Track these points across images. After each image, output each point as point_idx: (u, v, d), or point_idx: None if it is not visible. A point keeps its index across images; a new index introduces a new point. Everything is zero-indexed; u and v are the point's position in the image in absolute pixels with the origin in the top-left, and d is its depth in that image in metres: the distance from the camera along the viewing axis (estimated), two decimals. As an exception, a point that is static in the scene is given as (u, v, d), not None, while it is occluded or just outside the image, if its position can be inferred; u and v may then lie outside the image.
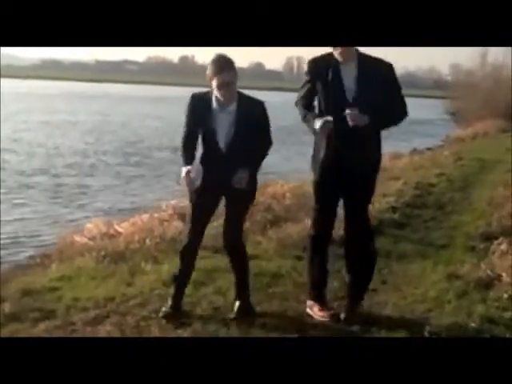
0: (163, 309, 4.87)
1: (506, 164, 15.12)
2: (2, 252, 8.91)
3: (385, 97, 4.71)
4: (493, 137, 28.42)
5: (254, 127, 4.70)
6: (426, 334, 4.53)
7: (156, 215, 8.85)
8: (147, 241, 7.25)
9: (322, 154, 4.79)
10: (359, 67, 4.69)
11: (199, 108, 4.73)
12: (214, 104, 4.68)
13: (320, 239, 4.99)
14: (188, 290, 5.42)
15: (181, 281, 4.95)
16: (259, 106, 4.77)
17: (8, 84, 70.16)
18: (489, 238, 7.31)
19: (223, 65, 4.57)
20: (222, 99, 4.64)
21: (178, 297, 4.92)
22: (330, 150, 4.74)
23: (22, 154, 20.25)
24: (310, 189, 10.44)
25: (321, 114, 4.72)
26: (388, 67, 4.81)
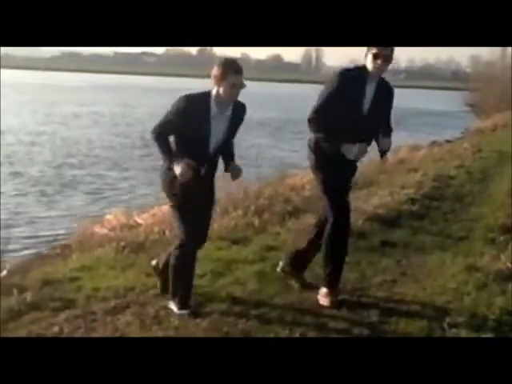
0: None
1: (525, 156, 14.99)
2: (24, 242, 9.01)
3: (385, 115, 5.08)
4: (512, 129, 28.14)
5: (237, 128, 4.78)
6: (446, 326, 4.53)
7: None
8: (167, 232, 7.29)
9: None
10: (378, 85, 4.88)
11: (197, 111, 4.52)
12: (214, 107, 4.56)
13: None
14: (206, 280, 5.45)
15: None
16: (243, 109, 4.78)
17: (28, 75, 70.58)
18: (508, 229, 7.28)
19: (239, 67, 4.53)
20: (227, 101, 4.56)
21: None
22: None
23: (46, 147, 20.38)
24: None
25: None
26: (392, 90, 5.07)
